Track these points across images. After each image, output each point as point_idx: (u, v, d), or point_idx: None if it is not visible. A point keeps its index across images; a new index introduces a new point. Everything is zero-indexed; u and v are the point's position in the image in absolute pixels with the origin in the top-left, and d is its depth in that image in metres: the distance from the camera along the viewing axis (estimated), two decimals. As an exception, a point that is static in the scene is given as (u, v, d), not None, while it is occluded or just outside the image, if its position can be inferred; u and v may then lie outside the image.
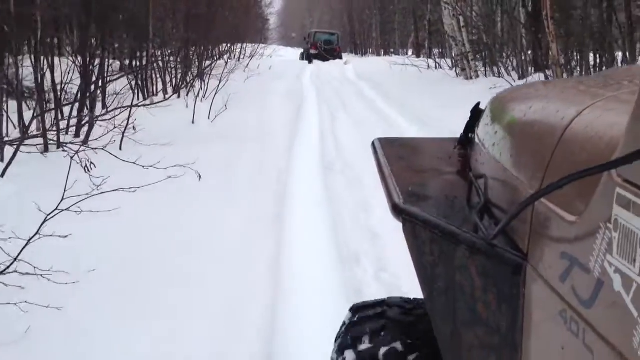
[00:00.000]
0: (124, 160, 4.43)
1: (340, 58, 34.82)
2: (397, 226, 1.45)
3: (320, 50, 35.62)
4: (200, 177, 4.18)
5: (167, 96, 10.68)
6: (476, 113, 1.87)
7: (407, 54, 41.44)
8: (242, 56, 28.36)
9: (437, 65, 20.92)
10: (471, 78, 15.92)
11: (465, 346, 1.30)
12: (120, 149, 6.89)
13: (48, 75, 7.91)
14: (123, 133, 7.00)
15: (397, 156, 1.93)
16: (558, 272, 0.94)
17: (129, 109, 6.95)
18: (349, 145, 7.89)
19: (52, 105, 7.88)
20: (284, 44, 73.50)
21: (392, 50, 41.99)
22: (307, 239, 4.40)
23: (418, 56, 30.63)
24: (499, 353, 1.19)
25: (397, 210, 1.42)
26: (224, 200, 5.31)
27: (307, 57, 35.56)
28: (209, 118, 9.73)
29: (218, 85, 11.66)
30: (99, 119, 6.94)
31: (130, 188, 3.62)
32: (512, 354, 1.15)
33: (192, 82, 13.30)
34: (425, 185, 1.68)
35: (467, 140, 1.87)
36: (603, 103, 1.10)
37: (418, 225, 1.34)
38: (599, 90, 1.28)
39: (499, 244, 1.16)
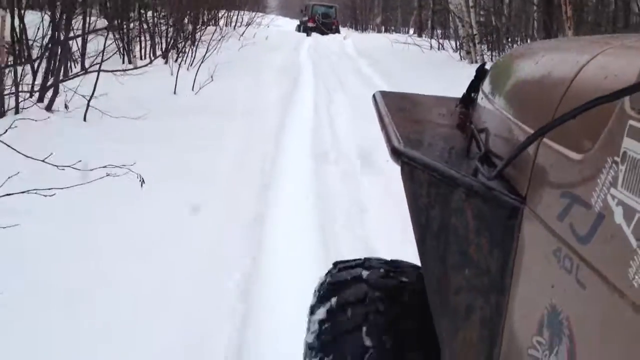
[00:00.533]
0: (26, 156, 3.20)
1: (338, 32, 33.71)
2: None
3: (318, 23, 34.45)
4: (142, 182, 3.15)
5: (152, 60, 9.71)
6: (481, 73, 1.83)
7: (408, 32, 40.50)
8: (238, 24, 27.24)
9: (440, 46, 19.96)
10: (476, 62, 15.01)
11: (452, 289, 1.29)
12: (85, 119, 6.03)
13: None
14: (88, 102, 6.11)
15: (398, 108, 1.94)
16: (556, 211, 0.94)
17: (96, 74, 6.05)
18: (345, 131, 7.03)
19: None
20: (282, 13, 71.97)
21: (392, 27, 40.86)
22: (292, 253, 3.55)
23: (420, 35, 29.61)
24: (487, 295, 1.18)
25: (396, 153, 1.43)
26: (180, 207, 4.11)
27: (305, 29, 34.49)
28: (192, 89, 8.82)
29: (205, 53, 10.71)
30: (62, 81, 6.08)
31: (46, 190, 2.73)
32: (500, 296, 1.15)
33: (183, 47, 12.32)
34: (425, 134, 1.70)
35: (469, 99, 1.83)
36: (615, 50, 1.09)
37: (416, 169, 1.35)
38: (610, 40, 1.23)
39: (497, 188, 1.17)
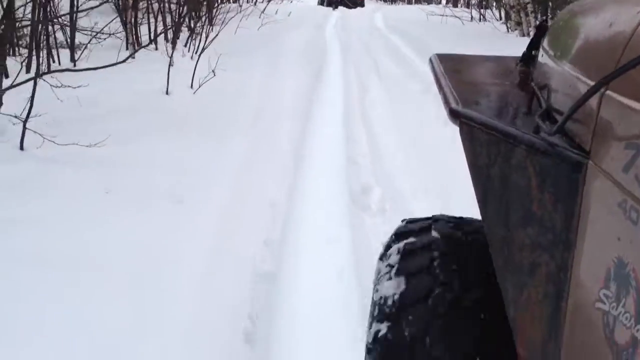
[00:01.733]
0: None
1: (362, 5, 31.29)
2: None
3: None
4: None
5: (141, 47, 7.76)
6: (542, 29, 1.76)
7: (440, 2, 37.87)
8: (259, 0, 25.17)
9: (482, 17, 17.68)
10: (528, 35, 12.82)
11: (516, 247, 1.27)
12: (22, 147, 4.19)
13: None
14: (24, 123, 4.25)
15: (455, 70, 1.91)
16: (621, 163, 0.93)
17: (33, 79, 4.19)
18: (389, 147, 5.02)
19: None
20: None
21: (424, -2, 38.28)
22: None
23: (455, 5, 27.17)
24: (552, 251, 1.16)
25: (454, 114, 1.42)
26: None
27: (329, 2, 32.15)
28: (192, 86, 6.91)
29: (215, 36, 8.81)
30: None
31: None
32: (565, 252, 1.12)
33: (194, 27, 10.28)
34: (484, 94, 1.67)
35: (530, 57, 1.76)
36: None
37: (475, 128, 1.34)
38: None
39: (560, 144, 1.14)
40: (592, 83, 1.07)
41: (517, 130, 1.25)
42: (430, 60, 2.10)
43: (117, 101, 5.69)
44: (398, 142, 5.01)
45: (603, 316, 0.95)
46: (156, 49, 8.74)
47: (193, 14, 10.86)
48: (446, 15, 17.02)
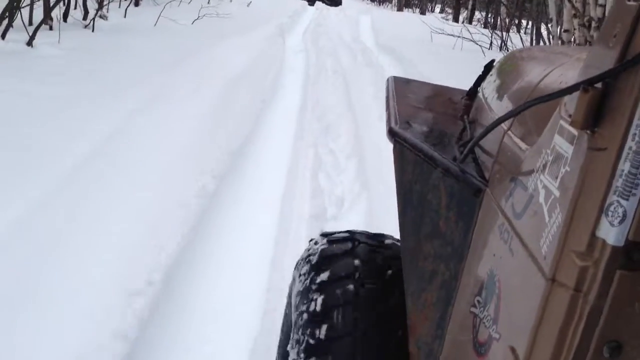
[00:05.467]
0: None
1: (339, 4, 26.18)
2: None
3: None
4: None
5: None
6: (487, 68, 1.86)
7: (432, 10, 33.09)
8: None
9: (503, 44, 12.88)
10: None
11: (422, 256, 1.41)
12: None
13: None
14: None
15: (406, 94, 2.02)
16: (505, 193, 1.08)
17: None
18: None
19: None
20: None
21: (415, 2, 33.42)
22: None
23: (456, 19, 22.46)
24: (448, 262, 1.32)
25: (391, 133, 1.56)
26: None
27: None
28: None
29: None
30: None
31: None
32: (457, 263, 1.28)
33: None
34: (423, 119, 1.78)
35: (474, 92, 1.87)
36: (572, 62, 1.22)
37: (406, 148, 1.48)
38: (576, 53, 1.38)
39: (469, 171, 1.30)
40: (502, 126, 1.25)
41: (439, 155, 1.39)
42: (387, 80, 2.19)
43: None
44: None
45: (474, 319, 1.11)
46: None
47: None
48: (454, 36, 12.30)
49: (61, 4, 9.01)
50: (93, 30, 8.15)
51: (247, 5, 15.39)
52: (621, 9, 0.78)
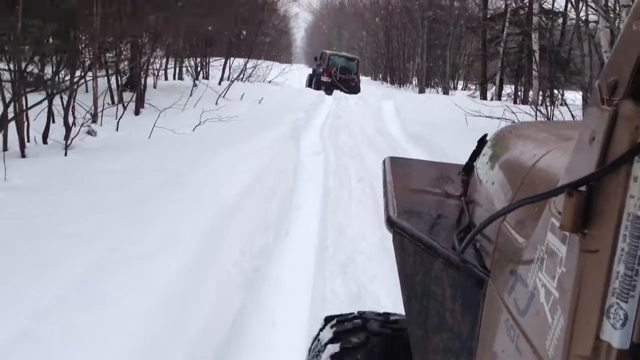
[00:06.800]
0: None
1: (358, 91, 25.22)
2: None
3: (334, 78, 25.97)
4: None
5: None
6: (481, 143, 1.85)
7: (455, 88, 32.03)
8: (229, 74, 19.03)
9: (548, 120, 11.29)
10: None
11: (431, 349, 1.38)
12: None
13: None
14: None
15: (403, 175, 2.00)
16: (507, 286, 1.06)
17: None
18: None
19: None
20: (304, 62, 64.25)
21: (435, 81, 32.45)
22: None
23: (484, 96, 21.13)
24: (457, 357, 1.28)
25: (389, 223, 1.54)
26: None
27: (317, 84, 26.04)
28: None
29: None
30: None
31: None
32: (468, 358, 1.25)
33: None
34: (422, 204, 1.74)
35: (470, 167, 1.86)
36: (566, 144, 1.19)
37: (405, 238, 1.45)
38: (568, 132, 1.39)
39: (470, 261, 1.27)
40: (497, 207, 1.27)
41: (438, 245, 1.37)
42: (383, 162, 2.15)
43: None
44: None
45: None
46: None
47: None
48: (492, 117, 10.81)
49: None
50: (66, 154, 6.80)
51: (259, 102, 14.23)
52: (596, 113, 0.79)
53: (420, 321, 1.41)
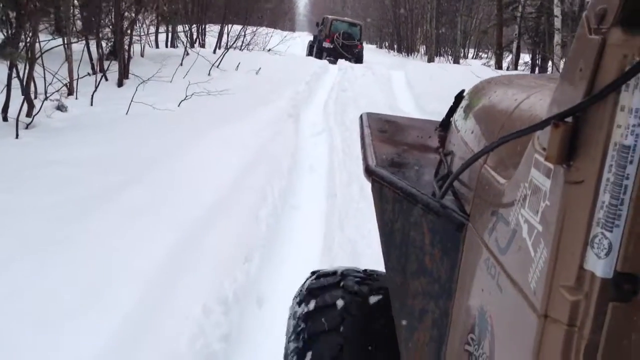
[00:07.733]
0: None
1: (361, 60, 23.89)
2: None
3: (337, 44, 24.53)
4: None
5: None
6: (459, 99, 1.85)
7: (466, 57, 30.57)
8: (228, 41, 17.70)
9: None
10: None
11: (410, 294, 1.39)
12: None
13: None
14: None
15: (380, 130, 1.99)
16: (487, 227, 1.07)
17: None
18: None
19: None
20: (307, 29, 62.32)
21: (444, 49, 31.00)
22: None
23: (500, 65, 19.80)
24: (437, 300, 1.31)
25: (368, 172, 1.55)
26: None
27: (319, 50, 24.69)
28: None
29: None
30: None
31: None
32: (447, 300, 1.28)
33: None
34: (400, 155, 1.75)
35: (447, 123, 1.85)
36: (544, 91, 1.17)
37: (384, 186, 1.46)
38: (546, 82, 1.35)
39: (449, 206, 1.29)
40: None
41: (418, 192, 1.38)
42: (360, 117, 2.16)
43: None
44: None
45: (469, 357, 1.10)
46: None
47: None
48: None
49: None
50: (17, 136, 5.65)
51: (256, 73, 13.01)
52: (584, 44, 0.78)
53: (399, 267, 1.42)
